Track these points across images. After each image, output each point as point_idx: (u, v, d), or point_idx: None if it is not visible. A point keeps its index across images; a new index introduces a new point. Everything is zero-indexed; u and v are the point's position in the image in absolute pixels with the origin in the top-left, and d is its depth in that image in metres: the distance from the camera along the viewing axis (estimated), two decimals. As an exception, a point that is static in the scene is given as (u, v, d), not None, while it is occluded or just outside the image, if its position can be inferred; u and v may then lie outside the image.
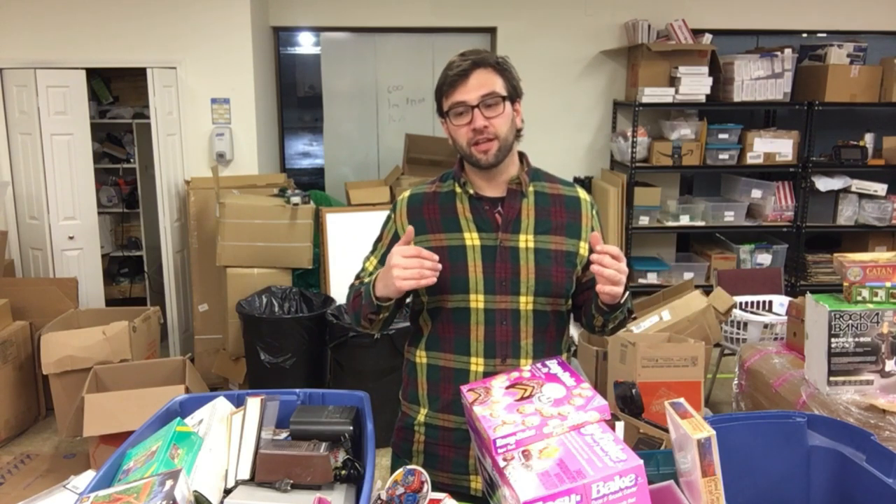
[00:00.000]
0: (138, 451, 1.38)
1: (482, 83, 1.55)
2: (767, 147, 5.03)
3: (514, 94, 1.61)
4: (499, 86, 1.57)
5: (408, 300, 1.70)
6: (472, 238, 1.62)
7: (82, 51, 4.52)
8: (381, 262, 1.68)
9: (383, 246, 1.71)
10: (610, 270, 1.45)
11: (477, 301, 1.60)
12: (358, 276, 1.74)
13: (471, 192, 1.65)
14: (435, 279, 1.48)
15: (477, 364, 1.61)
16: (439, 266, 1.49)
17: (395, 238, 1.66)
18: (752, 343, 3.55)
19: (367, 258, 1.75)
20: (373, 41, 5.45)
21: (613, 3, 5.26)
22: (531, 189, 1.66)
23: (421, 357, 1.68)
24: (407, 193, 1.73)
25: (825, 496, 1.48)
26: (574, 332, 4.26)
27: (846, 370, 2.41)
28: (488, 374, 1.58)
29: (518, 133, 1.66)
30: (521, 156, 1.71)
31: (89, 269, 4.61)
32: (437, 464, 1.64)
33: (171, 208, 4.62)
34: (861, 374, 2.41)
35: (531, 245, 1.61)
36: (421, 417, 1.67)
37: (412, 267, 1.46)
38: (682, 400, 1.39)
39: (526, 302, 1.61)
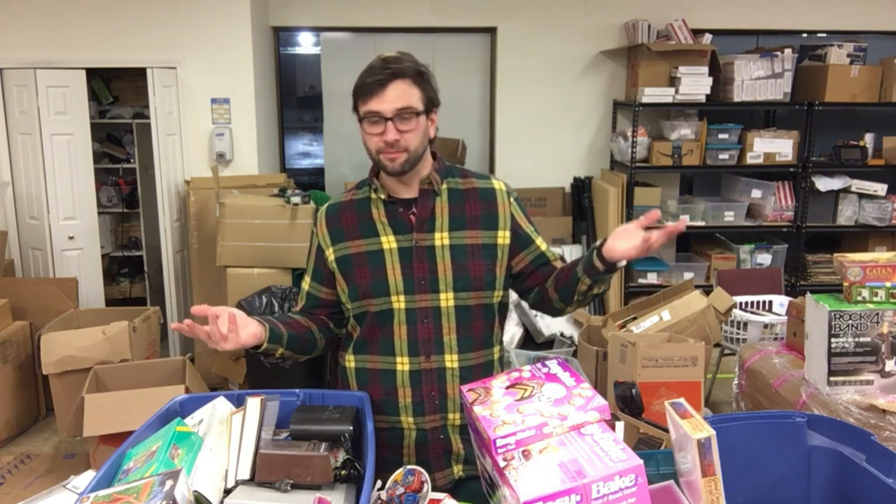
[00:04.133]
0: (138, 451, 1.38)
1: (399, 95, 1.56)
2: (767, 147, 5.03)
3: (430, 106, 1.64)
4: (415, 99, 1.58)
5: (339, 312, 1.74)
6: (388, 241, 1.65)
7: (82, 51, 4.52)
8: (313, 278, 1.74)
9: (311, 262, 1.75)
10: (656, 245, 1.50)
11: (399, 302, 1.63)
12: (297, 299, 1.79)
13: (383, 196, 1.67)
14: (223, 329, 1.51)
15: (402, 363, 1.65)
16: (222, 324, 1.51)
17: (319, 250, 1.71)
18: (752, 343, 3.55)
19: (303, 277, 1.79)
20: (373, 41, 5.45)
21: (613, 3, 5.26)
22: (444, 187, 1.68)
23: (350, 361, 1.72)
24: (325, 206, 1.76)
25: (825, 496, 1.48)
26: (574, 331, 4.27)
27: (846, 370, 2.41)
28: (415, 373, 1.64)
29: (431, 142, 1.69)
30: (434, 155, 1.73)
31: (89, 269, 4.61)
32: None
33: (171, 208, 4.62)
34: (861, 374, 2.41)
35: (446, 242, 1.64)
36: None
37: (211, 337, 1.50)
38: (682, 400, 1.40)
39: (446, 298, 1.64)
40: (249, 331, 1.55)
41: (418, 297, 1.63)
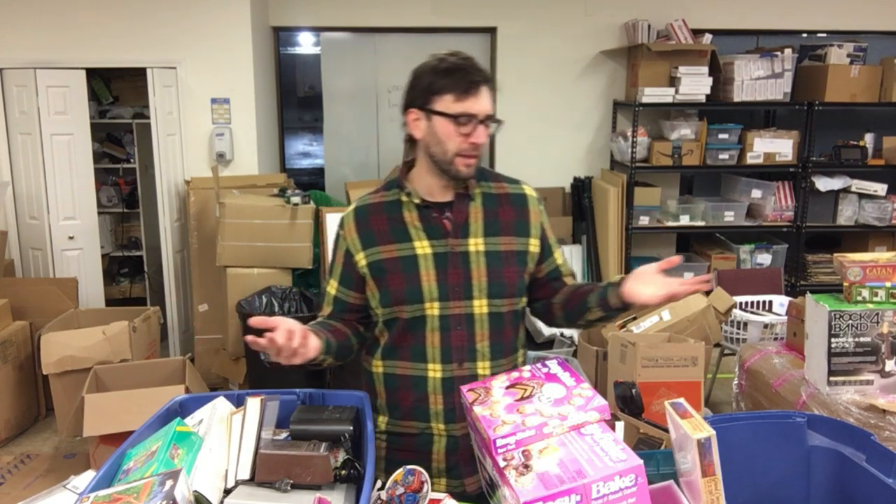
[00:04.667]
0: (138, 451, 1.38)
1: (488, 101, 1.56)
2: (767, 147, 5.03)
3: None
4: (493, 109, 1.58)
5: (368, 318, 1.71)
6: (422, 247, 1.61)
7: (82, 51, 4.52)
8: (341, 282, 1.69)
9: (338, 266, 1.70)
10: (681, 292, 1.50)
11: (432, 308, 1.60)
12: (323, 303, 1.75)
13: (416, 200, 1.63)
14: (304, 341, 1.45)
15: (434, 370, 1.62)
16: (304, 330, 1.46)
17: (348, 254, 1.66)
18: (752, 343, 3.55)
19: (327, 280, 1.75)
20: (373, 41, 5.45)
21: (613, 3, 5.26)
22: (477, 191, 1.66)
23: (377, 366, 1.69)
24: (352, 207, 1.71)
25: (825, 496, 1.48)
26: (574, 332, 4.27)
27: (846, 370, 2.41)
28: (447, 380, 1.61)
29: None
30: None
31: (89, 269, 4.61)
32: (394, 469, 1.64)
33: (171, 208, 4.62)
34: (861, 374, 2.41)
35: (481, 248, 1.62)
36: (381, 425, 1.68)
37: (281, 353, 1.43)
38: (682, 400, 1.40)
39: (480, 305, 1.61)
40: (313, 345, 1.50)
41: (452, 304, 1.60)
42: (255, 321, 1.42)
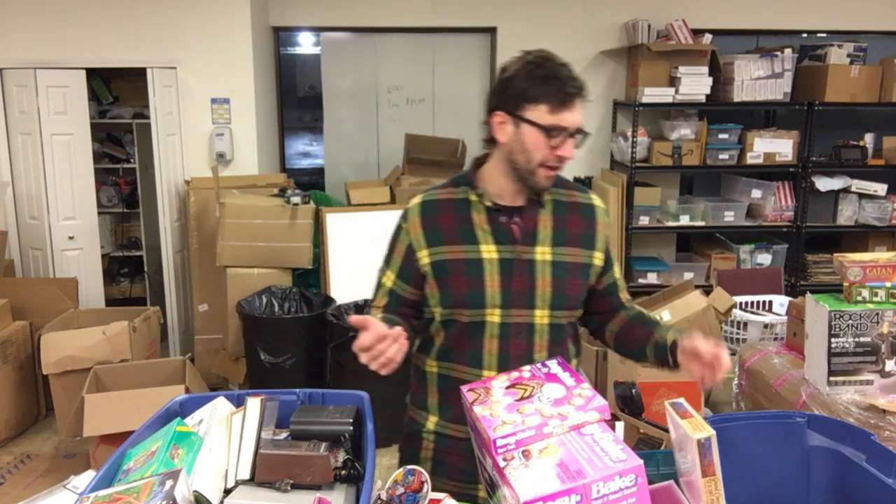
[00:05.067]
0: (138, 451, 1.38)
1: (580, 114, 1.52)
2: (767, 147, 5.03)
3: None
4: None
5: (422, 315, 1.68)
6: (489, 251, 1.57)
7: (82, 51, 4.52)
8: (399, 276, 1.64)
9: (398, 259, 1.64)
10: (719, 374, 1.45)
11: (493, 315, 1.57)
12: (375, 293, 1.69)
13: (487, 203, 1.59)
14: (403, 355, 1.42)
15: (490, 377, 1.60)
16: (404, 340, 1.42)
17: (410, 250, 1.61)
18: (752, 343, 3.55)
19: (383, 271, 1.68)
20: (373, 41, 5.45)
21: (613, 3, 5.26)
22: (548, 198, 1.61)
23: (432, 366, 1.66)
24: (418, 200, 1.65)
25: (825, 496, 1.48)
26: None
27: (846, 370, 2.41)
28: None
29: None
30: None
31: (89, 269, 4.61)
32: (446, 472, 1.63)
33: (171, 208, 4.62)
34: (861, 374, 2.41)
35: (548, 258, 1.58)
36: (430, 425, 1.66)
37: (376, 356, 1.39)
38: (682, 400, 1.40)
39: (542, 315, 1.58)
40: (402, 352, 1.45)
41: (514, 312, 1.57)
42: (355, 321, 1.39)
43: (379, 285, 1.69)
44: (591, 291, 1.67)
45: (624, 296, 1.73)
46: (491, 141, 1.57)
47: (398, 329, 1.41)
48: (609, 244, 1.69)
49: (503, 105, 1.52)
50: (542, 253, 1.58)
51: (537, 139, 1.49)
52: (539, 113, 1.48)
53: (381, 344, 1.38)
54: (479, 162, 1.63)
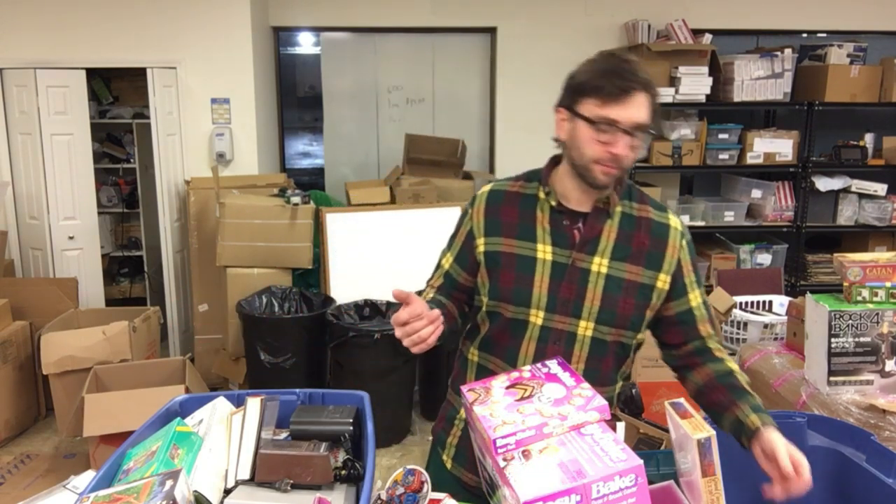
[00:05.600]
0: (138, 451, 1.38)
1: (640, 111, 1.45)
2: (767, 147, 5.03)
3: (652, 129, 1.52)
4: (649, 117, 1.48)
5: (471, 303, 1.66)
6: (545, 251, 1.53)
7: (82, 51, 4.52)
8: (457, 260, 1.63)
9: (458, 242, 1.64)
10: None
11: (536, 316, 1.53)
12: (434, 272, 1.69)
13: (553, 203, 1.54)
14: (436, 338, 1.39)
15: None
16: (439, 324, 1.39)
17: (471, 235, 1.60)
18: (752, 343, 3.54)
19: (444, 252, 1.68)
20: (373, 41, 5.45)
21: (613, 3, 5.26)
22: (618, 209, 1.55)
23: (473, 355, 1.64)
24: (488, 188, 1.63)
25: (825, 496, 1.48)
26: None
27: (846, 370, 2.41)
28: None
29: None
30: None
31: (89, 269, 4.61)
32: (464, 462, 1.62)
33: (171, 208, 4.62)
34: (861, 374, 2.41)
35: (604, 270, 1.52)
36: (463, 413, 1.64)
37: (410, 334, 1.36)
38: (682, 400, 1.40)
39: (585, 327, 1.53)
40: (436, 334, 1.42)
41: (557, 318, 1.52)
42: (398, 294, 1.37)
43: (438, 265, 1.68)
44: (660, 318, 1.58)
45: (705, 329, 1.59)
46: (559, 140, 1.54)
47: (436, 312, 1.40)
48: (684, 269, 1.57)
49: (563, 101, 1.51)
50: (599, 264, 1.52)
51: (587, 134, 1.45)
52: (589, 106, 1.45)
53: (417, 322, 1.36)
54: (556, 160, 1.59)
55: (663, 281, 1.54)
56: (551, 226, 1.54)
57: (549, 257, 1.53)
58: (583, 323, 1.52)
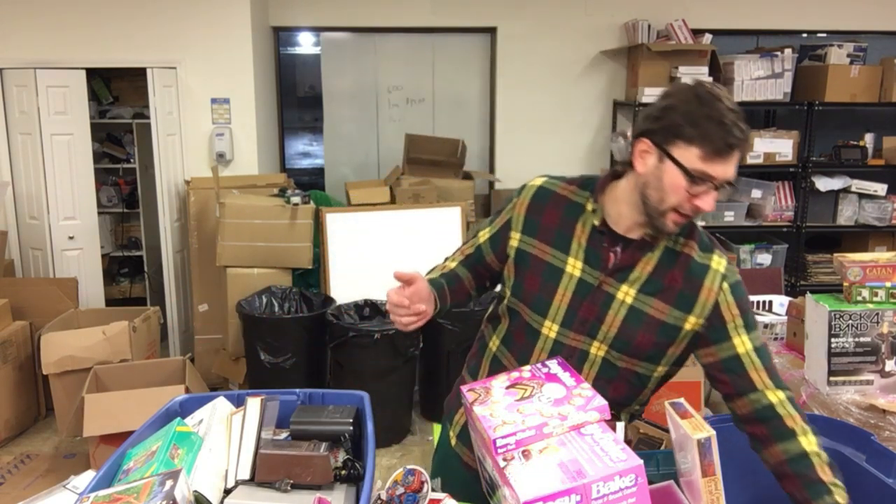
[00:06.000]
0: (138, 451, 1.38)
1: (735, 165, 1.35)
2: (767, 147, 5.03)
3: None
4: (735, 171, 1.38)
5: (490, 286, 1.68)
6: (574, 266, 1.49)
7: (82, 51, 4.52)
8: (491, 240, 1.62)
9: (497, 225, 1.62)
10: None
11: (550, 329, 1.51)
12: (468, 240, 1.69)
13: (596, 222, 1.48)
14: (416, 327, 1.45)
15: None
16: (422, 318, 1.44)
17: (508, 225, 1.58)
18: (752, 343, 3.54)
19: (483, 227, 1.67)
20: (373, 41, 5.45)
21: (613, 3, 5.26)
22: (662, 243, 1.47)
23: (494, 343, 1.64)
24: (539, 182, 1.59)
25: (825, 496, 1.48)
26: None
27: (846, 370, 2.41)
28: None
29: None
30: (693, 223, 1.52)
31: (89, 269, 4.61)
32: (470, 441, 1.60)
33: (171, 208, 4.62)
34: (861, 374, 2.41)
35: (629, 301, 1.46)
36: None
37: (399, 315, 1.43)
38: (682, 400, 1.40)
39: (598, 348, 1.49)
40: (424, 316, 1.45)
41: (572, 335, 1.49)
42: (399, 275, 1.43)
43: (474, 235, 1.68)
44: (705, 365, 1.49)
45: (759, 379, 1.44)
46: (629, 164, 1.46)
47: (420, 307, 1.42)
48: (724, 313, 1.45)
49: (653, 134, 1.38)
50: (626, 293, 1.46)
51: (678, 182, 1.35)
52: (689, 156, 1.33)
53: (399, 309, 1.42)
54: (617, 175, 1.52)
55: (693, 323, 1.45)
56: (588, 243, 1.48)
57: (577, 273, 1.49)
58: (596, 343, 1.49)
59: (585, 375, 1.49)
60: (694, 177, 1.33)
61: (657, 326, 1.46)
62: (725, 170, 1.33)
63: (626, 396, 1.55)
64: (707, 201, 1.36)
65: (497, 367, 1.61)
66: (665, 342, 1.47)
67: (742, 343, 1.45)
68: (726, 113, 1.32)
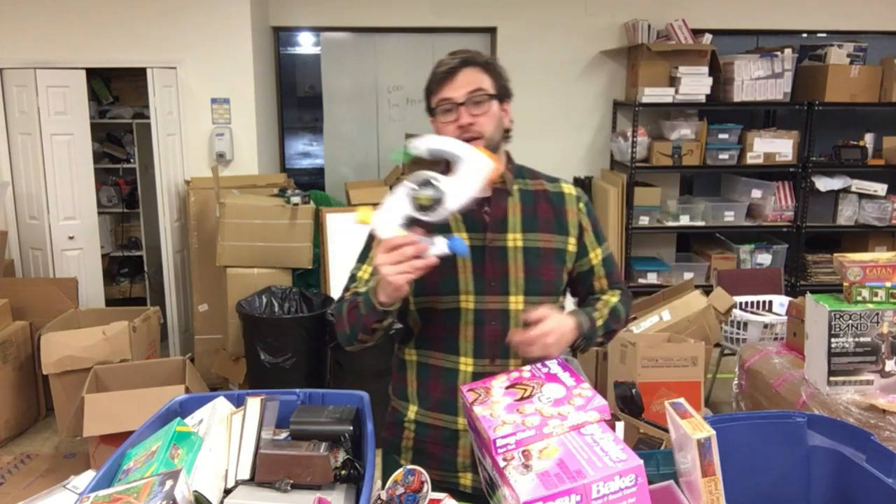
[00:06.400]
0: (138, 451, 1.38)
1: (470, 81, 1.55)
2: (767, 147, 5.03)
3: (502, 94, 1.61)
4: (486, 84, 1.57)
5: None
6: (461, 238, 1.58)
7: (82, 51, 4.52)
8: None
9: (370, 250, 1.68)
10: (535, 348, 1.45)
11: (467, 302, 1.59)
12: (347, 289, 1.69)
13: None
14: (428, 262, 1.39)
15: (466, 364, 1.61)
16: (425, 245, 1.39)
17: None
18: (752, 343, 3.55)
19: (358, 268, 1.70)
20: (373, 41, 5.45)
21: (613, 3, 5.26)
22: (515, 187, 1.65)
23: (411, 354, 1.68)
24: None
25: (825, 496, 1.48)
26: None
27: (846, 370, 2.41)
28: (478, 375, 1.58)
29: (506, 133, 1.64)
30: (507, 154, 1.69)
31: (89, 269, 4.61)
32: (427, 461, 1.62)
33: (171, 208, 4.62)
34: (861, 374, 2.41)
35: (519, 244, 1.61)
36: (411, 415, 1.67)
37: (401, 260, 1.38)
38: (682, 400, 1.40)
39: (516, 301, 1.60)
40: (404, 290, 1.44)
41: (487, 299, 1.59)
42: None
43: (353, 282, 1.69)
44: (571, 279, 1.70)
45: (601, 285, 1.72)
46: None
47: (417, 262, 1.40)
48: (586, 230, 1.68)
49: (428, 108, 1.63)
50: (514, 239, 1.61)
51: (439, 121, 1.58)
52: (433, 100, 1.59)
53: (395, 254, 1.38)
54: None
55: (572, 244, 1.66)
56: (462, 214, 1.59)
57: (466, 243, 1.56)
58: (512, 298, 1.60)
59: (513, 331, 1.57)
60: (436, 108, 1.58)
61: (552, 255, 1.63)
62: (455, 88, 1.55)
63: None
64: (463, 117, 1.55)
65: (425, 372, 1.65)
66: (561, 268, 1.65)
67: (595, 256, 1.71)
68: (443, 59, 1.60)
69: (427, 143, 1.49)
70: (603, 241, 1.72)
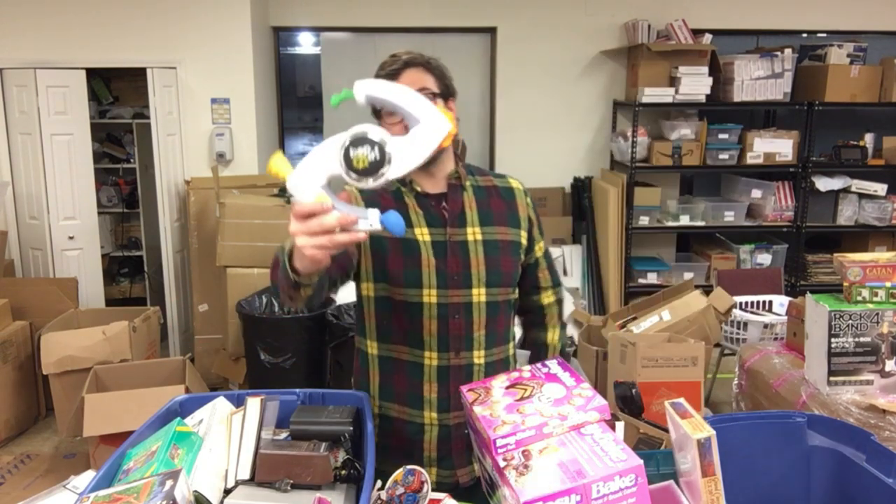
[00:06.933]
0: (138, 451, 1.38)
1: (413, 81, 1.56)
2: (767, 147, 5.03)
3: (446, 93, 1.64)
4: (430, 83, 1.60)
5: (350, 275, 1.60)
6: (422, 233, 1.62)
7: (82, 51, 4.52)
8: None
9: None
10: None
11: (430, 296, 1.61)
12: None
13: (418, 189, 1.64)
14: (353, 238, 1.17)
15: (431, 358, 1.63)
16: (353, 217, 1.16)
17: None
18: (752, 343, 3.55)
19: None
20: (373, 41, 5.45)
21: (613, 3, 5.26)
22: (468, 184, 1.69)
23: (372, 348, 1.69)
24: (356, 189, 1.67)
25: (825, 496, 1.48)
26: (574, 331, 4.27)
27: (846, 370, 2.41)
28: (442, 368, 1.62)
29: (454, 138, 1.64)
30: (456, 154, 1.73)
31: (89, 269, 4.61)
32: (390, 456, 1.61)
33: (171, 208, 4.62)
34: (861, 374, 2.41)
35: (479, 237, 1.65)
36: (375, 409, 1.68)
37: (318, 231, 1.14)
38: (682, 400, 1.40)
39: (478, 294, 1.63)
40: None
41: (451, 293, 1.62)
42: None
43: None
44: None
45: (543, 276, 1.80)
46: None
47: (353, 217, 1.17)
48: (533, 224, 1.75)
49: (373, 111, 1.62)
50: (473, 233, 1.64)
51: (385, 123, 1.53)
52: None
53: (313, 222, 1.14)
54: None
55: (524, 237, 1.72)
56: (422, 209, 1.63)
57: (427, 238, 1.62)
58: (475, 291, 1.63)
59: (477, 323, 1.64)
60: (380, 111, 1.55)
61: (510, 247, 1.68)
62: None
63: (506, 329, 1.73)
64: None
65: (388, 367, 1.66)
66: (517, 260, 1.70)
67: (539, 249, 1.78)
68: (385, 60, 1.61)
69: (375, 90, 1.22)
70: (542, 234, 1.80)
